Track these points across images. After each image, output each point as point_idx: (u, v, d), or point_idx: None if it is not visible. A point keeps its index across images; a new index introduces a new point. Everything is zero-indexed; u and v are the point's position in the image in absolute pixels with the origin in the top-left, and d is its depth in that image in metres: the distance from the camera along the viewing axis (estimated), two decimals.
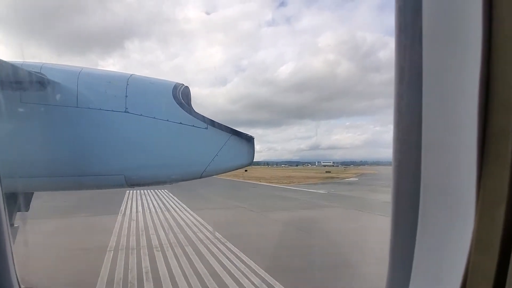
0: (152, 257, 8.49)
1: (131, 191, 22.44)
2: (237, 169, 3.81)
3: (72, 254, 8.72)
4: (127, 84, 3.47)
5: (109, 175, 3.45)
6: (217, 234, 10.86)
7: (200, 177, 3.63)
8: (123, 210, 16.19)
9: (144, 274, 7.29)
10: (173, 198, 20.68)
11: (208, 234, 10.99)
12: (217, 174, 3.72)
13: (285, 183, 37.93)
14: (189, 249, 9.23)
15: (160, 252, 8.98)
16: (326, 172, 74.26)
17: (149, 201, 19.34)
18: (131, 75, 3.60)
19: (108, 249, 9.14)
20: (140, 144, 3.51)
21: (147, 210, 16.29)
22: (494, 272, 0.63)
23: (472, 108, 0.66)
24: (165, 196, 21.43)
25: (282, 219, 14.72)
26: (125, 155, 3.46)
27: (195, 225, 12.38)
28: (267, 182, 38.57)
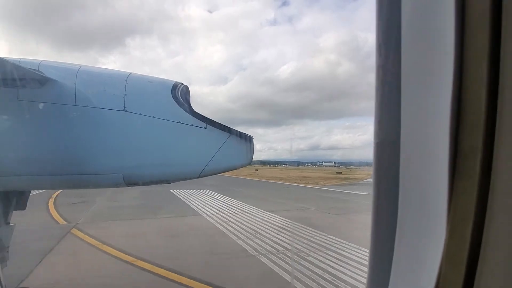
0: (303, 262, 7.17)
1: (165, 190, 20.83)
2: (236, 169, 3.82)
3: (234, 261, 7.35)
4: (126, 83, 3.46)
5: (107, 174, 3.44)
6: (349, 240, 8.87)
7: (198, 177, 3.61)
8: (198, 211, 14.32)
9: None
10: (230, 198, 18.83)
11: (341, 239, 9.09)
12: (215, 173, 3.70)
13: (310, 183, 36.15)
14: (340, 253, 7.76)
15: (310, 255, 7.60)
16: (337, 172, 69.99)
17: (211, 202, 17.44)
18: (130, 73, 3.59)
19: (254, 253, 7.74)
20: (139, 143, 3.50)
21: (225, 211, 14.28)
22: (462, 284, 0.66)
23: (445, 125, 0.68)
24: (218, 197, 19.45)
25: (366, 222, 13.34)
26: (124, 154, 3.45)
27: (306, 228, 10.55)
28: (291, 182, 36.83)
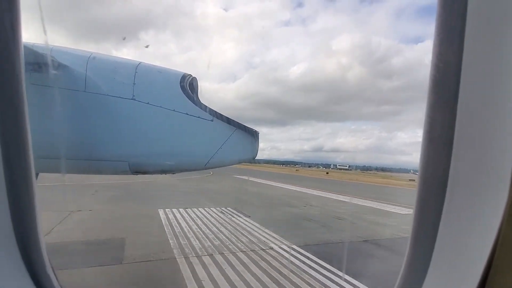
0: None
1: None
2: (240, 163, 3.85)
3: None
4: (136, 72, 3.46)
5: (113, 160, 3.45)
6: None
7: (204, 168, 3.67)
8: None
9: None
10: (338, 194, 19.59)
11: None
12: (220, 166, 3.73)
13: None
14: None
15: None
16: (409, 180, 64.24)
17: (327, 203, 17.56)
18: (140, 63, 3.58)
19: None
20: (146, 132, 3.51)
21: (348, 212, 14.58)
22: None
23: (508, 124, 0.63)
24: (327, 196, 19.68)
25: None
26: (130, 142, 3.46)
27: None
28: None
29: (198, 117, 3.53)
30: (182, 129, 3.55)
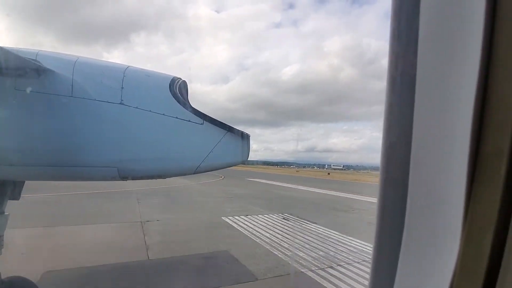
0: None
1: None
2: (231, 166, 3.77)
3: None
4: (124, 76, 3.45)
5: (101, 166, 3.44)
6: None
7: (194, 173, 3.60)
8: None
9: None
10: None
11: None
12: (211, 170, 3.69)
13: None
14: None
15: None
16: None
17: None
18: (128, 66, 3.58)
19: None
20: (135, 137, 3.49)
21: None
22: None
23: (466, 125, 0.62)
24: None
25: None
26: (119, 147, 3.44)
27: None
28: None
29: (188, 120, 3.47)
30: (172, 133, 3.51)
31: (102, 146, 3.44)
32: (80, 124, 3.43)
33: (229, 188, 24.61)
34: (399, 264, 0.77)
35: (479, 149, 0.61)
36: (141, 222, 10.40)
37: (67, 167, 3.51)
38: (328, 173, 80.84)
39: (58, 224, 9.59)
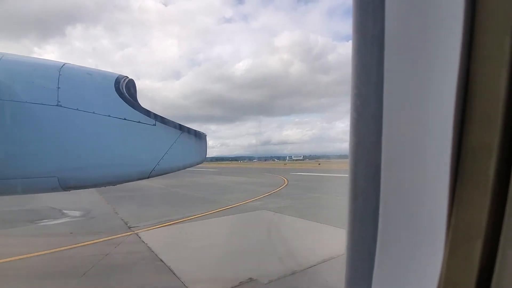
0: None
1: None
2: (188, 167, 3.62)
3: None
4: (59, 74, 3.07)
5: (38, 177, 3.04)
6: None
7: (148, 177, 3.39)
8: None
9: None
10: None
11: None
12: (166, 173, 3.51)
13: None
14: None
15: None
16: None
17: None
18: (64, 64, 3.19)
19: None
20: (77, 142, 3.13)
21: None
22: None
23: (445, 118, 0.56)
24: None
25: None
26: (58, 154, 3.06)
27: None
28: None
29: (138, 121, 3.23)
30: (120, 136, 3.23)
31: (37, 154, 3.05)
32: (9, 130, 2.98)
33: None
34: (374, 277, 0.70)
35: (463, 144, 0.55)
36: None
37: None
38: (319, 164, 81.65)
39: None
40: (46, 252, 6.30)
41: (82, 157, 3.14)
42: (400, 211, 0.64)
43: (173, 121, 3.39)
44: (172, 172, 3.49)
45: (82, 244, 6.86)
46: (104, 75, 3.35)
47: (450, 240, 0.56)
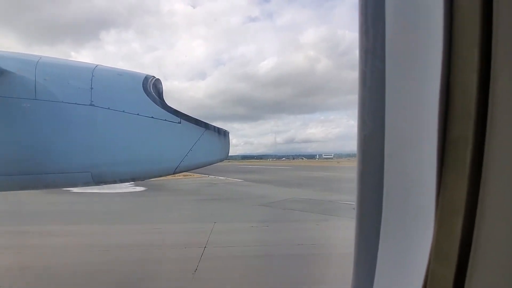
0: None
1: None
2: (211, 164, 3.68)
3: None
4: (92, 75, 3.26)
5: (73, 172, 3.26)
6: None
7: (173, 173, 3.52)
8: None
9: None
10: None
11: None
12: (190, 170, 3.61)
13: None
14: None
15: None
16: None
17: None
18: (97, 65, 3.39)
19: None
20: (108, 140, 3.31)
21: None
22: (452, 281, 0.63)
23: (433, 115, 0.65)
24: None
25: None
26: (91, 151, 3.26)
27: None
28: None
29: (165, 120, 3.34)
30: (148, 134, 3.37)
31: (73, 150, 3.25)
32: (46, 128, 3.23)
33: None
34: (379, 248, 0.79)
35: (446, 137, 0.64)
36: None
37: (36, 175, 3.31)
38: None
39: None
40: None
41: (113, 153, 3.30)
42: (400, 195, 0.75)
43: (197, 119, 3.45)
44: (196, 168, 3.59)
45: None
46: (133, 76, 3.50)
47: (438, 216, 0.65)
